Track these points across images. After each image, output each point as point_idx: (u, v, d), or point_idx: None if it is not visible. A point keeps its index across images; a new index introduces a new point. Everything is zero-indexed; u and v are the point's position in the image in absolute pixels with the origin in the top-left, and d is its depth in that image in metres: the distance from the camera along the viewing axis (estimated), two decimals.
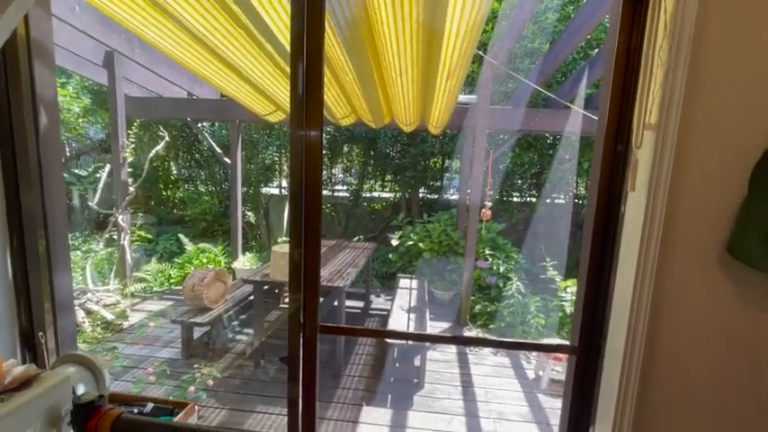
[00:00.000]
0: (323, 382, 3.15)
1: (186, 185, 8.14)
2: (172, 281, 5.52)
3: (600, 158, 1.19)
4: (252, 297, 3.83)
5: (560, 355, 3.12)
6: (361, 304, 4.79)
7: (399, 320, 3.40)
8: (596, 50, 5.34)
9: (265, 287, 3.26)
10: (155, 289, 5.18)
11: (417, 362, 3.29)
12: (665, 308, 1.05)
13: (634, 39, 1.09)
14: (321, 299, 4.61)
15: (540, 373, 3.40)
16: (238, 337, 3.80)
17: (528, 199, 7.15)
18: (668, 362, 1.07)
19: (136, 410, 1.29)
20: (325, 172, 8.22)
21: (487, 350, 3.84)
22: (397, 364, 3.27)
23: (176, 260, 5.88)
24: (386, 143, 7.01)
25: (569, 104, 3.83)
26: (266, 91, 3.42)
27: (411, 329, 3.24)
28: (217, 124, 7.09)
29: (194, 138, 7.55)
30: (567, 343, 1.39)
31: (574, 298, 3.82)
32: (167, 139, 5.15)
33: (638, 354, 1.06)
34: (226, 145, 6.68)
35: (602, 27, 5.36)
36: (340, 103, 3.83)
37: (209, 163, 7.43)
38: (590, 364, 1.28)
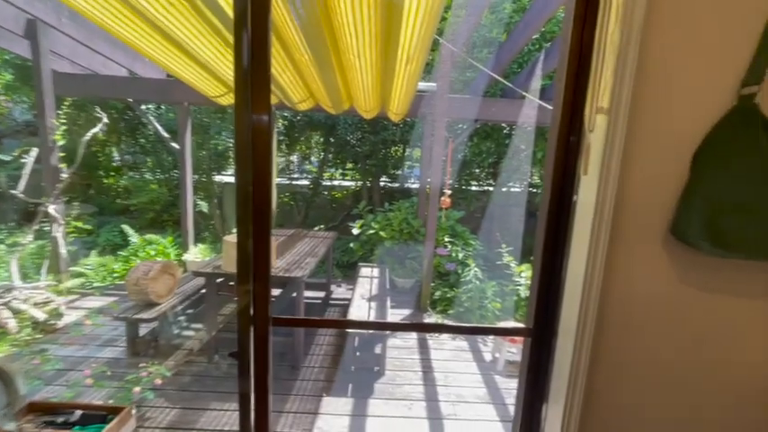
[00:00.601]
0: (281, 374, 3.07)
1: (131, 173, 7.55)
2: (115, 275, 5.13)
3: (554, 145, 1.20)
4: (204, 290, 3.63)
5: (516, 338, 3.24)
6: (321, 294, 4.72)
7: (360, 309, 3.37)
8: (550, 43, 5.51)
9: (218, 279, 3.09)
10: (95, 284, 4.79)
11: (378, 350, 3.29)
12: (615, 289, 1.08)
13: (587, 29, 1.10)
14: (279, 290, 4.49)
15: (497, 355, 3.52)
16: (189, 332, 3.60)
17: (485, 188, 7.34)
18: (616, 341, 1.11)
19: (61, 419, 1.14)
20: (283, 159, 7.95)
21: (446, 335, 3.92)
22: (358, 353, 3.25)
23: (120, 253, 5.45)
24: (346, 130, 6.88)
25: (526, 93, 3.93)
26: (216, 71, 3.20)
27: (372, 318, 3.22)
28: (163, 107, 6.60)
29: (138, 121, 6.98)
30: (523, 326, 1.42)
31: (528, 282, 3.98)
32: (106, 121, 4.71)
33: (589, 334, 1.09)
34: (174, 130, 6.25)
35: (556, 20, 5.54)
36: (297, 87, 3.67)
37: (155, 149, 6.92)
38: (543, 346, 1.31)
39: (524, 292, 3.92)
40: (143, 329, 3.34)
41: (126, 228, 5.76)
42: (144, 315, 3.00)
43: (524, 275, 3.98)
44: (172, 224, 7.25)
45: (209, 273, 2.93)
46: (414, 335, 3.88)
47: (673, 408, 1.15)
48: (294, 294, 3.21)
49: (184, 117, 5.12)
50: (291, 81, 3.49)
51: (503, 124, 6.48)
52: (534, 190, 7.09)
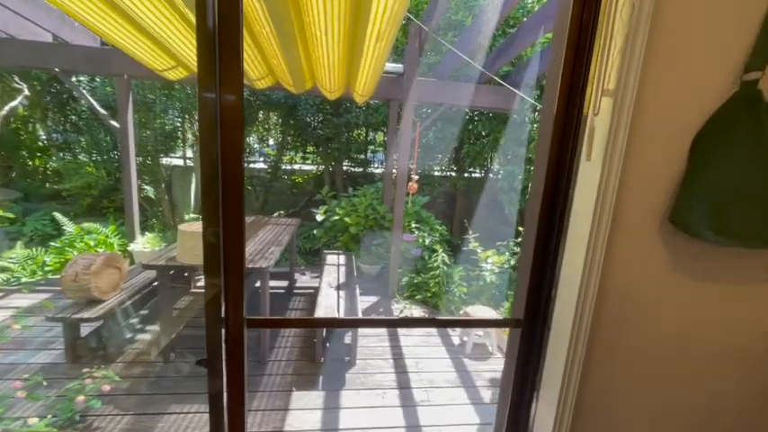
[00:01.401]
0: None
1: (61, 153, 6.73)
2: (47, 269, 4.58)
3: (549, 130, 1.15)
4: (156, 284, 3.33)
5: None
6: (285, 284, 4.53)
7: (329, 298, 3.26)
8: (514, 28, 5.55)
9: (172, 272, 2.82)
10: (23, 280, 4.25)
11: (348, 339, 3.21)
12: (613, 277, 1.06)
13: (588, 7, 1.04)
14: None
15: (465, 338, 3.58)
16: (140, 330, 3.30)
17: (448, 173, 7.40)
18: (613, 330, 1.10)
19: None
20: None
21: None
22: (328, 344, 3.15)
23: (53, 244, 4.87)
24: (307, 111, 6.57)
25: (499, 80, 3.92)
26: (163, 41, 2.85)
27: (342, 307, 3.12)
28: (98, 79, 5.89)
29: (68, 95, 6.20)
30: (509, 317, 1.39)
31: (494, 268, 4.06)
32: (27, 93, 4.10)
33: (587, 323, 1.07)
34: (112, 106, 5.62)
35: (521, 5, 5.57)
36: (256, 63, 3.39)
37: (90, 127, 6.20)
38: (535, 336, 1.28)
39: (490, 277, 4.00)
40: (84, 329, 3.00)
41: (58, 216, 5.15)
42: (86, 314, 2.68)
43: (490, 261, 4.06)
44: (113, 211, 6.62)
45: (161, 265, 2.66)
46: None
47: (670, 396, 1.17)
48: (258, 285, 3.02)
49: (125, 92, 4.59)
50: (250, 56, 3.21)
51: (465, 109, 6.50)
52: (494, 176, 7.25)
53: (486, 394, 2.84)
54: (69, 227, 4.99)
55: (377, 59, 3.24)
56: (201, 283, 4.37)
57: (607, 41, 0.97)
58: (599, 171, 1.00)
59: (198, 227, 2.76)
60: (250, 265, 2.72)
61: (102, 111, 4.69)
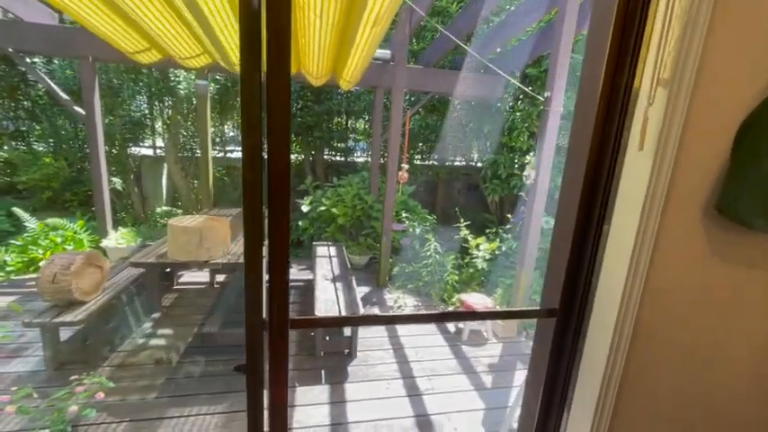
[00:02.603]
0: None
1: (14, 143, 6.16)
2: (9, 269, 4.21)
3: (590, 120, 1.14)
4: (139, 281, 3.14)
5: (479, 309, 3.35)
6: None
7: (327, 291, 3.19)
8: (501, 17, 5.55)
9: (167, 270, 2.66)
10: None
11: (348, 331, 3.17)
12: (659, 269, 1.08)
13: None
14: (223, 276, 4.07)
15: (461, 325, 3.63)
16: (129, 331, 3.11)
17: (430, 162, 7.41)
18: (658, 321, 1.12)
19: None
20: (213, 129, 7.12)
21: (409, 310, 3.93)
22: (327, 337, 3.09)
23: (13, 241, 4.47)
24: None
25: (495, 68, 3.91)
26: (137, 20, 2.61)
27: (341, 300, 3.07)
28: (57, 61, 5.39)
29: (20, 78, 5.65)
30: (541, 307, 1.39)
31: (485, 255, 4.12)
32: None
33: (632, 315, 1.09)
34: (73, 90, 5.18)
35: None
36: (234, 46, 3.20)
37: (47, 113, 5.69)
38: (570, 326, 1.29)
39: (481, 264, 4.07)
40: (64, 332, 2.78)
41: (18, 211, 4.73)
42: (67, 318, 2.48)
43: (482, 248, 4.12)
44: (78, 205, 6.17)
45: (151, 263, 2.50)
46: (378, 313, 3.82)
47: (716, 389, 1.20)
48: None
49: (90, 75, 4.23)
50: (233, 38, 3.02)
51: (449, 97, 6.49)
52: (475, 164, 7.33)
53: (487, 379, 2.90)
54: (32, 223, 4.60)
55: (370, 44, 3.14)
56: (184, 279, 4.17)
57: (664, 30, 0.96)
58: (650, 161, 1.00)
59: (189, 221, 2.61)
60: (241, 260, 2.59)
61: (65, 96, 4.31)
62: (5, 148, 6.02)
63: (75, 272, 2.56)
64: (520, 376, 2.96)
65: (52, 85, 4.22)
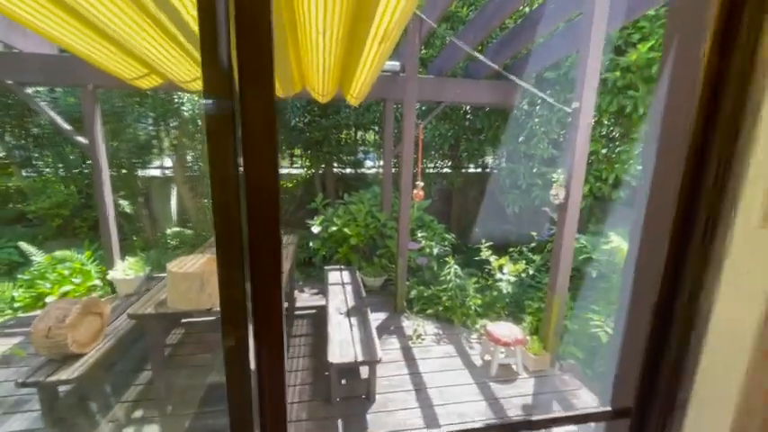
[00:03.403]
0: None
1: (23, 171, 6.13)
2: (17, 305, 4.11)
3: (684, 127, 0.85)
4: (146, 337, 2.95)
5: (509, 341, 3.06)
6: (285, 305, 4.19)
7: (341, 330, 2.95)
8: (517, 21, 5.25)
9: (178, 325, 2.46)
10: None
11: (365, 373, 2.92)
12: None
13: None
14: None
15: (487, 357, 3.35)
16: (133, 379, 2.93)
17: (444, 170, 7.13)
18: None
19: None
20: None
21: (430, 339, 3.67)
22: (343, 381, 2.86)
23: (20, 276, 4.38)
24: (293, 113, 6.16)
25: (511, 76, 3.63)
26: (132, 49, 2.46)
27: (356, 338, 2.83)
28: (59, 90, 5.32)
29: (26, 107, 5.60)
30: (608, 409, 1.12)
31: (510, 278, 3.83)
32: None
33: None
34: (77, 118, 5.08)
35: None
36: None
37: (52, 142, 5.62)
38: (649, 426, 1.02)
39: (506, 288, 3.77)
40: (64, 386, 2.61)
41: (24, 245, 4.63)
42: (63, 375, 2.29)
43: (506, 270, 3.83)
44: (86, 230, 6.09)
45: (150, 314, 2.30)
46: (396, 344, 3.57)
47: None
48: None
49: (91, 103, 4.11)
50: None
51: (461, 105, 6.21)
52: (490, 171, 7.02)
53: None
54: (39, 256, 4.50)
55: (377, 60, 2.91)
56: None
57: None
58: None
59: (190, 265, 2.40)
60: None
61: (67, 126, 4.19)
62: (14, 177, 5.99)
63: (70, 324, 2.38)
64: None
65: (53, 115, 4.11)
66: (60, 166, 6.05)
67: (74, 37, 2.30)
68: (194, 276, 2.27)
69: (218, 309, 2.40)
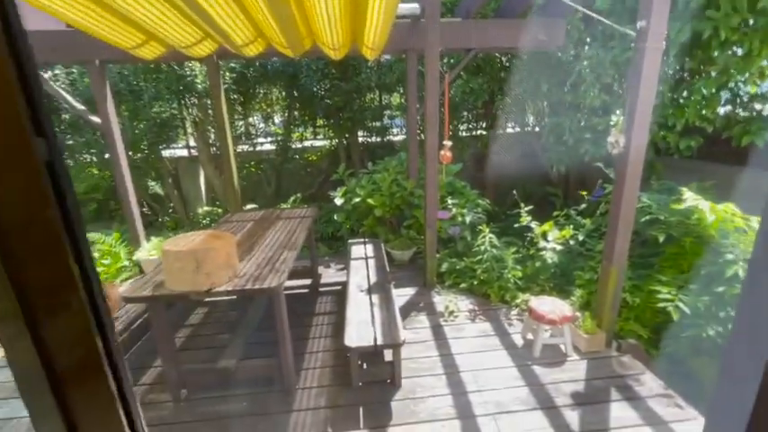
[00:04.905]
0: (269, 405, 2.39)
1: None
2: None
3: None
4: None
5: (554, 318, 2.63)
6: (308, 282, 3.97)
7: (360, 310, 2.66)
8: None
9: (162, 303, 2.27)
10: None
11: (389, 356, 2.63)
12: None
13: None
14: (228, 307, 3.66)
15: (529, 336, 2.94)
16: (142, 364, 2.84)
17: (478, 132, 6.51)
18: None
19: None
20: (242, 123, 6.81)
21: (463, 316, 3.30)
22: (364, 365, 2.59)
23: None
24: (311, 79, 5.77)
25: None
26: (125, 13, 2.25)
27: (377, 320, 2.52)
28: (76, 69, 5.26)
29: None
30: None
31: (555, 245, 3.33)
32: None
33: None
34: (92, 99, 5.02)
35: None
36: (237, 23, 2.65)
37: (76, 125, 5.65)
38: None
39: (551, 257, 3.28)
40: None
41: None
42: None
43: (551, 237, 3.32)
44: (121, 213, 6.20)
45: (148, 297, 2.10)
46: (425, 322, 3.24)
47: None
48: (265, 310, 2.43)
49: (100, 79, 3.95)
50: (230, 16, 2.49)
51: (496, 54, 5.51)
52: (531, 129, 6.31)
53: (573, 417, 2.22)
54: None
55: (389, 1, 2.46)
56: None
57: None
58: None
59: (186, 243, 2.17)
60: (256, 285, 2.12)
61: (80, 106, 4.10)
62: None
63: None
64: (618, 412, 2.24)
65: (63, 94, 4.02)
66: (93, 150, 6.13)
67: (67, 5, 2.12)
68: (187, 255, 2.03)
69: (219, 289, 2.18)
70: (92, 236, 4.61)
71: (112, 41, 2.86)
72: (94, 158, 6.15)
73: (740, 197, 2.92)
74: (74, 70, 5.20)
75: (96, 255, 4.43)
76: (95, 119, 4.08)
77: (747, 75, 3.32)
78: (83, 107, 4.13)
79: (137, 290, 2.14)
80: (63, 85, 5.00)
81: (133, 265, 4.51)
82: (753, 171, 3.62)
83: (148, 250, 4.33)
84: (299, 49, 3.49)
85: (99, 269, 4.30)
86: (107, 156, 6.09)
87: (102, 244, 4.55)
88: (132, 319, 2.69)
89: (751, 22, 3.12)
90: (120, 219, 5.89)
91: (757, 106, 3.65)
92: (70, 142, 6.10)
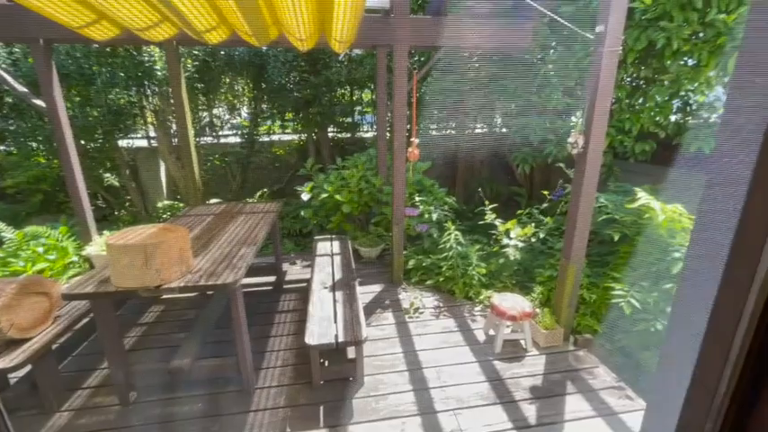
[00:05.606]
0: (226, 406, 2.29)
1: (1, 145, 5.79)
2: None
3: None
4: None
5: (515, 314, 2.68)
6: (272, 279, 3.86)
7: (323, 307, 2.60)
8: None
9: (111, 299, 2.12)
10: None
11: (351, 353, 2.60)
12: None
13: None
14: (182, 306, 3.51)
15: (491, 332, 2.99)
16: (88, 365, 2.66)
17: (447, 131, 6.57)
18: None
19: None
20: (206, 114, 6.53)
21: (428, 313, 3.32)
22: (326, 363, 2.53)
23: None
24: (278, 71, 5.61)
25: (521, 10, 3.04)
26: None
27: (339, 317, 2.48)
28: (19, 49, 4.85)
29: None
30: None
31: (518, 243, 3.40)
32: None
33: None
34: (35, 80, 4.65)
35: None
36: (197, 7, 2.51)
37: (19, 109, 5.22)
38: None
39: (513, 254, 3.35)
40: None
41: None
42: (1, 364, 2.00)
43: (513, 235, 3.39)
44: (71, 206, 5.79)
45: (91, 293, 1.95)
46: (390, 319, 3.23)
47: None
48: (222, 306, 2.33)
49: (45, 60, 3.66)
50: (189, 1, 2.36)
51: (466, 53, 5.57)
52: (499, 130, 6.43)
53: (530, 410, 2.27)
54: (9, 233, 4.22)
55: None
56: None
57: None
58: None
59: (133, 237, 2.03)
60: (210, 282, 2.02)
61: (21, 87, 3.77)
62: None
63: (4, 306, 2.06)
64: (572, 405, 2.31)
65: (4, 75, 3.68)
66: (40, 137, 5.67)
67: None
68: (135, 249, 1.90)
69: (170, 286, 2.06)
70: (35, 229, 4.27)
71: (57, 19, 2.63)
72: (41, 146, 5.71)
73: (688, 199, 3.09)
74: (17, 49, 4.78)
75: (40, 249, 4.10)
76: (39, 102, 3.77)
77: (696, 84, 3.53)
78: (24, 89, 3.80)
79: (79, 286, 1.99)
80: (4, 65, 4.60)
81: (83, 260, 4.22)
82: (699, 175, 3.85)
83: (100, 245, 4.06)
84: (265, 38, 3.36)
85: (43, 265, 3.98)
86: (56, 144, 5.71)
87: (48, 238, 4.23)
88: (76, 318, 2.50)
89: (701, 34, 3.31)
90: (70, 212, 5.50)
91: (704, 114, 3.88)
92: (12, 127, 5.63)
